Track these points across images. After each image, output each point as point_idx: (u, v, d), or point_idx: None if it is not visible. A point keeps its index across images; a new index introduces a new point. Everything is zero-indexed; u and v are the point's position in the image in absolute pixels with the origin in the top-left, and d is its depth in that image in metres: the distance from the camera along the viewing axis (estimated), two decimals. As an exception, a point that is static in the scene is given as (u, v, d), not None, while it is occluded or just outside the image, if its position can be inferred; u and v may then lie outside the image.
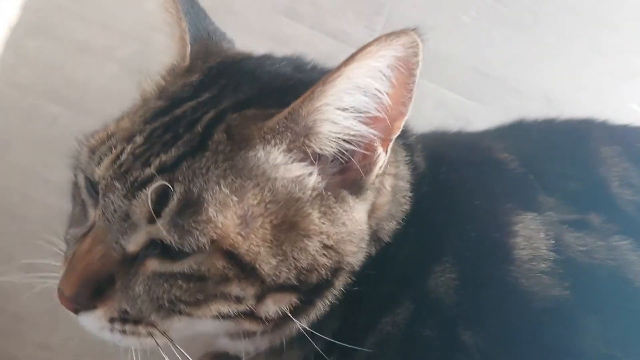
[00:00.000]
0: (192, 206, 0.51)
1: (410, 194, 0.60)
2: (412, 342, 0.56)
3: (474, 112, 1.22)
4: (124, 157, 0.54)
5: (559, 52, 1.32)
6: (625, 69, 1.33)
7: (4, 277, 0.78)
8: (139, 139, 0.54)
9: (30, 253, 1.02)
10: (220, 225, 0.51)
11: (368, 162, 0.54)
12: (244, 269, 0.52)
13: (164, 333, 0.55)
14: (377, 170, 0.55)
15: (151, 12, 1.09)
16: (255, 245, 0.52)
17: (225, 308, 0.54)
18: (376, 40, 0.47)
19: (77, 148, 0.62)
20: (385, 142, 0.54)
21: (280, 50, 0.70)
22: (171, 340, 0.56)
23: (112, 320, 0.54)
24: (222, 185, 0.51)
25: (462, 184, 0.63)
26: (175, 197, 0.51)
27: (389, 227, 0.59)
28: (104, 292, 0.53)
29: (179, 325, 0.55)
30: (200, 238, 0.50)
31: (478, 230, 0.59)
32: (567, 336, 0.54)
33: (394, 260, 0.58)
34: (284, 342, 0.59)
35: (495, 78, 1.27)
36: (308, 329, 0.56)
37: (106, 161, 0.54)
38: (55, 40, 1.09)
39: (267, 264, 0.52)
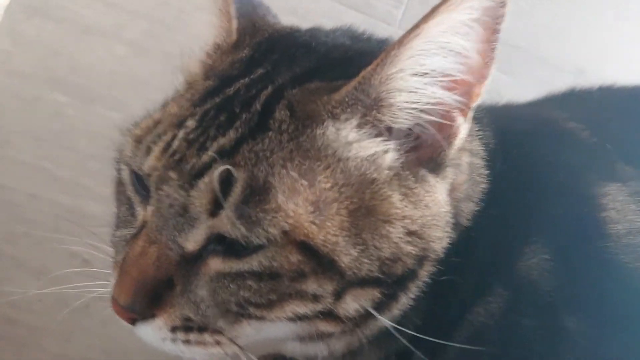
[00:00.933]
0: (258, 193, 0.45)
1: (486, 172, 0.55)
2: (510, 333, 0.51)
3: (505, 85, 1.15)
4: (176, 144, 0.48)
5: (588, 22, 1.26)
6: None
7: (33, 290, 0.75)
8: (190, 123, 0.49)
9: (41, 258, 0.97)
10: (291, 214, 0.45)
11: (447, 134, 0.49)
12: (322, 262, 0.46)
13: (232, 340, 0.50)
14: (458, 143, 0.49)
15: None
16: (332, 234, 0.46)
17: (302, 308, 0.48)
18: None
19: (120, 140, 0.57)
20: (465, 110, 0.48)
21: (301, 24, 0.63)
22: (241, 348, 0.51)
23: (174, 330, 0.49)
24: (289, 169, 0.46)
25: (538, 159, 0.58)
26: (238, 184, 0.45)
27: (468, 208, 0.54)
28: (163, 298, 0.48)
29: (248, 331, 0.50)
30: (270, 229, 0.45)
31: (565, 206, 0.54)
32: None
33: (477, 245, 0.53)
34: (362, 343, 0.53)
35: (525, 50, 1.22)
36: (394, 325, 0.50)
37: (156, 150, 0.49)
38: (55, 22, 1.00)
39: (347, 255, 0.46)
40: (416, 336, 0.50)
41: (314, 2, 1.16)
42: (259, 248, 0.46)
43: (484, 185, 0.54)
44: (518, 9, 1.28)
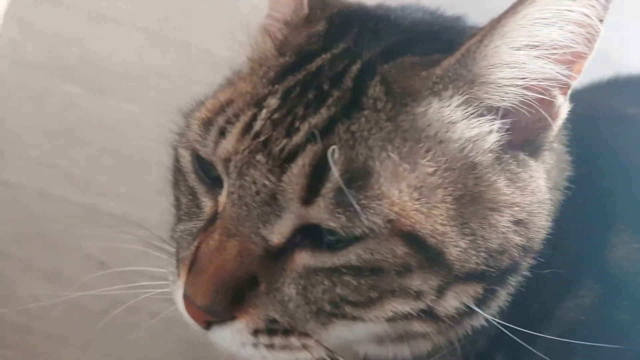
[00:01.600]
0: (358, 179, 0.41)
1: (569, 158, 0.52)
2: (604, 329, 0.48)
3: None
4: (258, 124, 0.44)
5: (614, 10, 1.22)
6: None
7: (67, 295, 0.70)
8: (272, 102, 0.45)
9: (53, 260, 0.92)
10: (396, 201, 0.41)
11: (550, 113, 0.45)
12: (429, 255, 0.43)
13: (321, 344, 0.46)
14: (559, 123, 0.47)
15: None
16: (440, 224, 0.42)
17: (403, 306, 0.44)
18: None
19: (181, 124, 0.53)
20: (565, 89, 0.45)
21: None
22: (331, 352, 0.47)
23: (256, 333, 0.45)
24: (389, 151, 0.42)
25: (613, 143, 0.56)
26: (337, 168, 0.41)
27: (556, 198, 0.50)
28: (245, 298, 0.44)
29: (339, 333, 0.46)
30: (374, 218, 0.41)
31: None
32: None
33: (565, 235, 0.49)
34: (449, 344, 0.50)
35: None
36: (497, 321, 0.46)
37: (234, 132, 0.45)
38: (65, 9, 0.95)
39: (456, 247, 0.43)
40: (497, 337, 0.47)
41: None
42: (356, 240, 0.42)
43: (568, 173, 0.51)
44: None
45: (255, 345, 0.45)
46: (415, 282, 0.43)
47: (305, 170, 0.42)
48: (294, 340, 0.45)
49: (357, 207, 0.40)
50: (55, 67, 0.93)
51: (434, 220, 0.42)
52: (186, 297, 0.45)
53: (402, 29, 0.50)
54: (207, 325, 0.45)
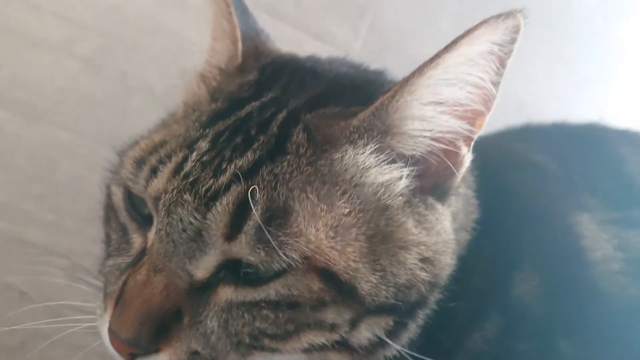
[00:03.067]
0: (278, 217, 0.44)
1: (476, 202, 0.56)
2: (506, 358, 0.52)
3: None
4: (189, 165, 0.46)
5: (527, 59, 1.31)
6: (582, 76, 1.35)
7: None
8: (203, 145, 0.47)
9: None
10: (312, 239, 0.44)
11: (454, 162, 0.49)
12: (343, 290, 0.45)
13: None
14: (463, 171, 0.50)
15: (114, 4, 0.96)
16: (353, 260, 0.45)
17: (318, 338, 0.46)
18: (483, 22, 0.42)
19: (113, 161, 0.55)
20: (468, 141, 0.49)
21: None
22: None
23: None
24: (308, 192, 0.45)
25: (518, 187, 0.61)
26: (259, 207, 0.43)
27: (463, 238, 0.54)
28: (169, 331, 0.45)
29: None
30: (291, 254, 0.43)
31: (549, 234, 0.58)
32: None
33: (473, 273, 0.53)
34: None
35: None
36: (406, 351, 0.49)
37: (165, 171, 0.46)
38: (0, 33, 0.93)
39: (367, 282, 0.45)
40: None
41: (276, 29, 1.14)
42: (276, 276, 0.44)
43: (475, 215, 0.55)
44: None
45: None
46: (330, 315, 0.45)
47: (229, 208, 0.43)
48: None
49: (275, 244, 0.42)
50: (-16, 91, 0.90)
51: (347, 257, 0.44)
52: (111, 331, 0.45)
53: (328, 81, 0.54)
54: (132, 358, 0.45)
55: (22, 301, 0.88)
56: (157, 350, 0.45)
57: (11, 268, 0.89)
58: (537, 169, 0.64)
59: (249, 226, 0.43)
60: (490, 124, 0.76)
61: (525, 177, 0.63)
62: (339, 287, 0.45)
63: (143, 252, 0.47)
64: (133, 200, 0.49)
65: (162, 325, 0.45)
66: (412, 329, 0.50)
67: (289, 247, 0.43)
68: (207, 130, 0.48)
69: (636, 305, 0.52)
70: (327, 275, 0.44)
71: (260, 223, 0.42)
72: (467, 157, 0.49)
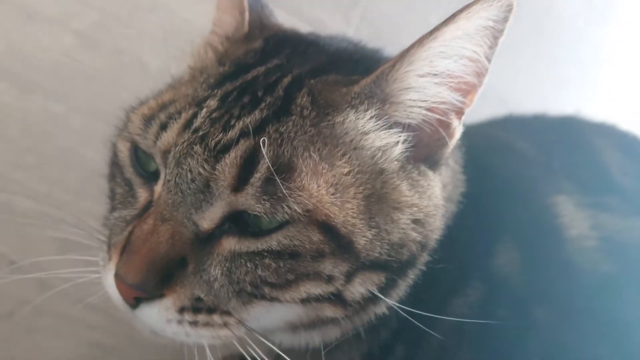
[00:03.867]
0: (283, 171, 0.47)
1: (463, 177, 0.60)
2: (486, 323, 0.55)
3: None
4: (199, 120, 0.49)
5: (510, 57, 1.35)
6: (563, 76, 1.40)
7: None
8: (212, 103, 0.51)
9: None
10: (314, 193, 0.47)
11: (447, 133, 0.53)
12: (340, 243, 0.48)
13: (241, 322, 0.50)
14: (454, 142, 0.53)
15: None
16: (351, 216, 0.49)
17: (315, 289, 0.49)
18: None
19: (121, 119, 0.57)
20: (459, 113, 0.52)
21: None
22: (251, 330, 0.51)
23: (182, 310, 0.48)
24: (311, 151, 0.49)
25: (500, 170, 0.65)
26: (264, 165, 0.47)
27: (450, 209, 0.58)
28: (173, 277, 0.48)
29: (258, 313, 0.50)
30: (294, 206, 0.46)
31: (529, 211, 0.62)
32: (616, 310, 0.57)
33: (457, 242, 0.57)
34: (354, 333, 0.55)
35: None
36: (398, 305, 0.52)
37: (176, 126, 0.49)
38: (-4, 3, 0.93)
39: (363, 237, 0.49)
40: (398, 330, 0.53)
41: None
42: (278, 227, 0.47)
43: (462, 189, 0.59)
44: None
45: (180, 322, 0.48)
46: (328, 267, 0.48)
47: (237, 161, 0.47)
48: (216, 318, 0.49)
49: (285, 192, 0.45)
50: (-21, 60, 0.90)
51: (345, 212, 0.48)
52: (117, 276, 0.48)
53: (329, 54, 0.57)
54: (135, 303, 0.48)
55: (11, 270, 0.90)
56: (161, 295, 0.47)
57: (2, 237, 0.90)
58: (518, 154, 0.69)
59: (256, 178, 0.46)
60: (473, 117, 0.81)
61: (507, 161, 0.67)
62: (338, 240, 0.48)
63: (149, 205, 0.50)
64: (139, 156, 0.52)
65: (168, 272, 0.47)
66: (402, 288, 0.54)
67: (293, 200, 0.46)
68: (216, 90, 0.52)
69: (607, 281, 0.57)
70: (327, 228, 0.48)
71: (272, 171, 0.45)
72: (458, 129, 0.53)
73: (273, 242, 0.47)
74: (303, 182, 0.47)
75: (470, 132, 0.74)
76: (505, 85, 1.32)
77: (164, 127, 0.49)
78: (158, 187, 0.50)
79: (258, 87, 0.51)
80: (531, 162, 0.68)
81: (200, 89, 0.53)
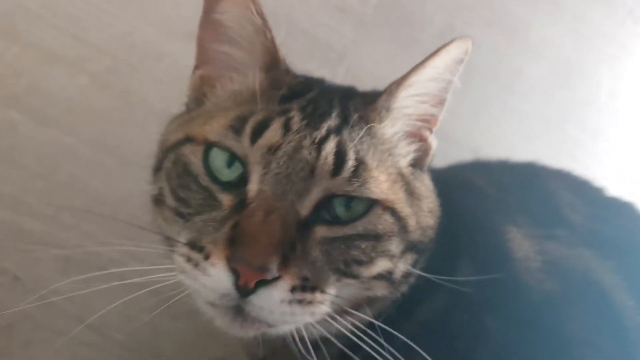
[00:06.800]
0: (362, 164, 0.60)
1: (439, 203, 0.70)
2: (446, 325, 0.65)
3: None
4: (296, 124, 0.60)
5: (482, 112, 1.49)
6: (530, 131, 1.52)
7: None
8: (295, 113, 0.62)
9: None
10: (383, 184, 0.60)
11: (427, 145, 0.68)
12: (401, 224, 0.61)
13: (337, 297, 0.59)
14: (432, 152, 0.68)
15: (125, 31, 1.08)
16: (402, 203, 0.62)
17: (385, 265, 0.60)
18: (454, 40, 0.61)
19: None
20: (431, 129, 0.68)
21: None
22: (337, 305, 0.59)
23: (293, 290, 0.55)
24: (372, 153, 0.62)
25: (461, 201, 0.75)
26: (352, 154, 0.59)
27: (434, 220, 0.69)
28: (287, 260, 0.55)
29: (340, 291, 0.59)
30: (374, 189, 0.59)
31: (483, 236, 0.72)
32: (559, 324, 0.65)
33: (430, 256, 0.67)
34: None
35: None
36: (420, 274, 0.64)
37: (275, 129, 0.59)
38: (21, 46, 1.03)
39: (412, 219, 0.62)
40: (371, 322, 0.60)
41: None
42: (362, 215, 0.59)
43: (438, 213, 0.68)
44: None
45: (290, 302, 0.55)
46: (394, 245, 0.61)
47: (333, 150, 0.58)
48: (318, 295, 0.56)
49: (366, 176, 0.59)
50: (2, 94, 1.00)
51: (400, 200, 0.61)
52: (241, 263, 0.53)
53: (342, 87, 0.72)
54: (254, 288, 0.53)
55: (15, 285, 0.96)
56: (277, 278, 0.54)
57: (8, 254, 0.97)
58: (477, 190, 0.80)
59: (348, 164, 0.58)
60: (447, 163, 0.90)
61: (467, 195, 0.78)
62: (399, 222, 0.61)
63: (238, 205, 0.58)
64: (211, 166, 0.60)
65: (284, 255, 0.54)
66: (415, 274, 0.64)
67: (373, 184, 0.59)
68: (289, 104, 0.63)
69: (550, 298, 0.66)
70: (393, 212, 0.60)
71: (354, 164, 0.58)
72: (434, 141, 0.67)
73: (359, 227, 0.59)
74: (374, 174, 0.60)
75: (438, 171, 0.85)
76: (477, 138, 1.44)
77: (259, 132, 0.59)
78: (253, 186, 0.58)
79: (322, 103, 0.64)
80: (488, 198, 0.78)
81: (271, 105, 0.63)
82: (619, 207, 0.82)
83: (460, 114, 1.46)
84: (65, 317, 0.94)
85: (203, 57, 0.68)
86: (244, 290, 0.53)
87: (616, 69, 1.58)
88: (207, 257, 0.55)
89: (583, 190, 0.84)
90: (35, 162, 1.00)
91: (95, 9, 1.07)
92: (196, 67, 0.68)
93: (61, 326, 0.94)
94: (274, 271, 0.53)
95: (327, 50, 1.36)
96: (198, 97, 0.68)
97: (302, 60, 1.33)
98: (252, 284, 0.53)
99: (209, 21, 0.65)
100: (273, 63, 0.67)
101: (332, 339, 0.60)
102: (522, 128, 1.52)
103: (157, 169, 0.65)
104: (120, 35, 1.08)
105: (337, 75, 1.37)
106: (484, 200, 0.77)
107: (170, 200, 0.62)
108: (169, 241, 0.62)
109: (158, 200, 0.63)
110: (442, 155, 1.27)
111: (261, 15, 0.64)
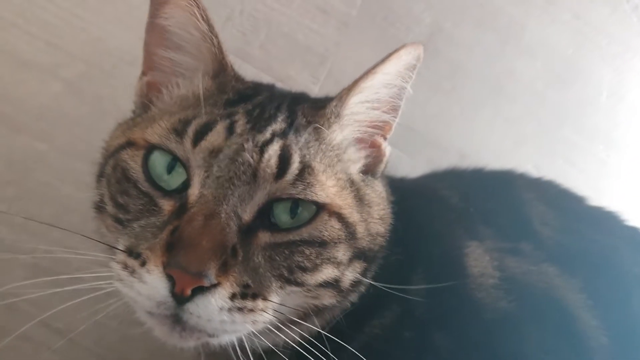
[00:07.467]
0: (308, 167, 0.59)
1: (391, 211, 0.68)
2: (393, 342, 0.63)
3: (400, 161, 1.29)
4: (240, 127, 0.60)
5: (471, 116, 1.46)
6: (522, 134, 1.47)
7: None
8: (238, 117, 0.61)
9: None
10: (330, 189, 0.60)
11: (380, 152, 0.68)
12: (349, 230, 0.60)
13: (281, 305, 0.57)
14: (386, 159, 0.67)
15: (98, 37, 1.08)
16: (350, 208, 0.61)
17: (331, 272, 0.59)
18: (404, 46, 0.60)
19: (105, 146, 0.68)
20: (385, 136, 0.67)
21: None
22: (282, 313, 0.58)
23: (233, 297, 0.53)
24: (319, 157, 0.61)
25: (422, 211, 0.74)
26: (297, 157, 0.59)
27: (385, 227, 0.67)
28: (227, 265, 0.53)
29: (281, 299, 0.57)
30: (319, 192, 0.58)
31: (440, 248, 0.70)
32: (513, 344, 0.63)
33: (383, 266, 0.66)
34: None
35: (419, 132, 1.38)
36: (370, 282, 0.63)
37: (218, 132, 0.58)
38: (-7, 53, 1.03)
39: (361, 226, 0.61)
40: (319, 333, 0.59)
41: (242, 68, 1.25)
42: (307, 222, 0.57)
43: (390, 221, 0.67)
44: (415, 99, 1.40)
45: (230, 309, 0.53)
46: (340, 252, 0.59)
47: (277, 153, 0.57)
48: (259, 303, 0.55)
49: (311, 180, 0.58)
50: (-28, 101, 0.99)
51: (348, 206, 0.60)
52: (177, 269, 0.51)
53: (291, 93, 0.71)
54: (191, 296, 0.52)
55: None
56: (216, 285, 0.52)
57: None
58: (440, 200, 0.78)
59: (293, 167, 0.58)
60: (432, 169, 0.87)
61: (428, 205, 0.77)
62: (347, 228, 0.59)
63: (179, 210, 0.56)
64: (151, 172, 0.59)
65: (223, 261, 0.53)
66: (365, 283, 0.63)
67: (318, 187, 0.57)
68: (235, 108, 0.62)
69: (506, 317, 0.63)
70: (341, 218, 0.59)
71: (296, 170, 0.58)
72: (387, 148, 0.66)
73: (304, 234, 0.57)
74: (320, 178, 0.58)
75: (405, 180, 0.84)
76: (465, 142, 1.41)
77: (202, 134, 0.58)
78: (194, 190, 0.56)
79: (269, 107, 0.64)
80: (450, 208, 0.76)
81: (216, 108, 0.62)
82: (599, 218, 0.80)
83: (448, 118, 1.45)
84: (32, 323, 0.93)
85: (149, 63, 0.67)
86: (180, 298, 0.52)
87: (619, 69, 1.54)
88: (143, 264, 0.54)
89: (560, 201, 0.82)
90: (7, 168, 0.99)
91: (69, 14, 1.06)
92: (143, 74, 0.68)
93: (28, 332, 0.94)
94: (211, 277, 0.51)
95: (308, 53, 1.34)
96: (144, 103, 0.68)
97: (282, 64, 1.33)
98: (188, 291, 0.52)
99: (154, 26, 0.65)
100: (220, 69, 0.66)
101: (277, 351, 0.58)
102: (513, 131, 1.48)
103: (100, 175, 0.64)
104: (93, 40, 1.07)
105: (318, 79, 1.35)
106: (446, 210, 0.75)
107: (110, 207, 0.60)
108: (111, 249, 0.60)
109: (99, 207, 0.62)
110: (428, 161, 1.27)
111: (207, 20, 0.63)
